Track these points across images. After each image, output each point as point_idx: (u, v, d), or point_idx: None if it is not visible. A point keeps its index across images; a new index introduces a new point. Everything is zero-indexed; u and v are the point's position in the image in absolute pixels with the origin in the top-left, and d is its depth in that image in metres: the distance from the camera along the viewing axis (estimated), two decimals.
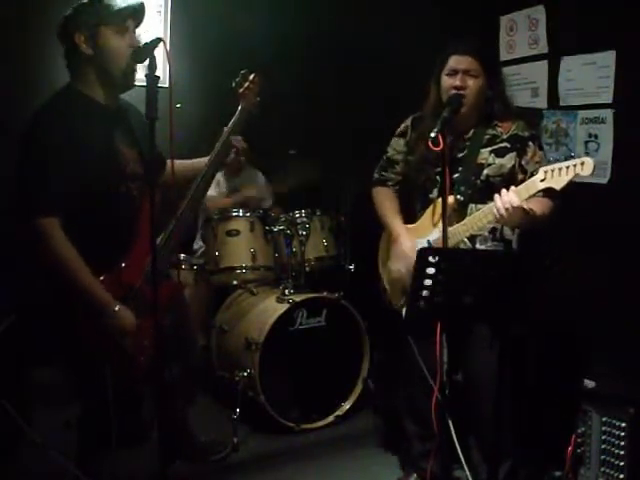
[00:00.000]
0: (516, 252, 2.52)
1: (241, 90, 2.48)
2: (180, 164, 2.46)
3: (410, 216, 2.64)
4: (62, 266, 2.05)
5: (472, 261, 1.97)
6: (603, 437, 2.32)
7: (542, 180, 2.10)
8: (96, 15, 2.13)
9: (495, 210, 2.19)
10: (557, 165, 2.06)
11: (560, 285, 2.36)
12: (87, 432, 2.22)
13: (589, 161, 1.99)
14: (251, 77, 2.49)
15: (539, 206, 2.26)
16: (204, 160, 2.48)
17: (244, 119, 2.49)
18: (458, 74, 2.37)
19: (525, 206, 2.16)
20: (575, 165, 2.01)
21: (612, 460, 2.29)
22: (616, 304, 2.80)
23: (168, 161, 2.22)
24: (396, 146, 2.69)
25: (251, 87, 2.49)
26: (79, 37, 2.13)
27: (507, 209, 2.14)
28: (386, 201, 2.69)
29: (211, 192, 3.67)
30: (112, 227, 2.16)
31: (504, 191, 2.18)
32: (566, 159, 2.06)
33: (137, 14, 2.20)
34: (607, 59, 2.95)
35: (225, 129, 2.47)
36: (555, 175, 2.06)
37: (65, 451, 2.23)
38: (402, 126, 2.68)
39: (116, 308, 2.10)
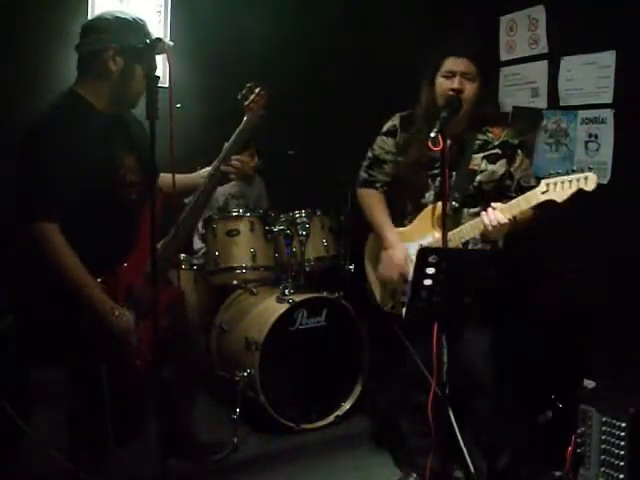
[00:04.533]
0: (515, 253, 2.53)
1: (247, 103, 2.47)
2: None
3: (397, 217, 2.62)
4: (61, 270, 2.06)
5: (472, 261, 1.97)
6: (603, 437, 2.31)
7: (544, 192, 2.11)
8: (133, 38, 2.13)
9: (482, 226, 2.26)
10: (560, 178, 2.08)
11: (560, 285, 2.37)
12: (79, 431, 2.23)
13: (593, 176, 2.02)
14: (257, 90, 2.47)
15: (522, 215, 2.28)
16: (200, 174, 2.48)
17: (248, 132, 2.48)
18: (455, 76, 2.36)
19: (512, 221, 2.22)
20: (579, 179, 2.04)
21: (612, 460, 2.29)
22: (616, 304, 2.80)
23: (161, 174, 2.27)
24: (384, 145, 2.64)
25: (257, 100, 2.47)
26: (110, 52, 2.14)
27: (495, 226, 2.21)
28: (376, 206, 2.65)
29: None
30: (112, 230, 2.17)
31: (490, 210, 2.23)
32: (567, 173, 2.08)
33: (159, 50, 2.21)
34: (607, 59, 2.95)
35: (226, 144, 2.47)
36: (558, 188, 2.08)
37: (65, 451, 2.23)
38: (389, 124, 2.64)
39: (116, 313, 2.11)
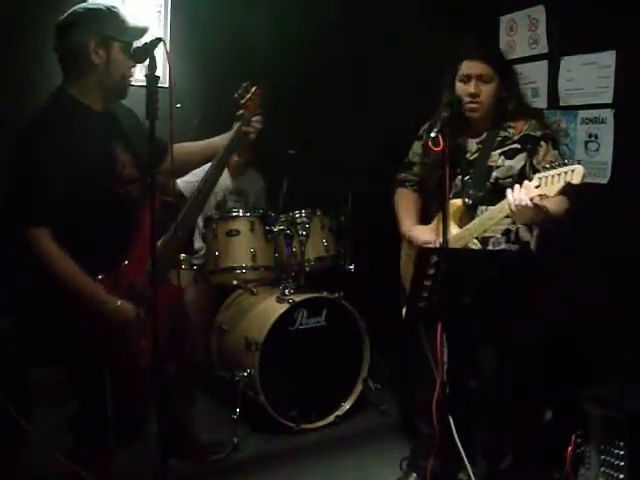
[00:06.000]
0: (516, 253, 2.51)
1: (243, 101, 2.55)
2: (194, 146, 2.55)
3: (427, 217, 2.66)
4: (56, 273, 2.06)
5: (471, 261, 1.97)
6: (603, 437, 2.31)
7: (537, 187, 2.09)
8: (112, 27, 2.15)
9: (507, 206, 2.17)
10: (550, 172, 2.06)
11: (559, 286, 2.36)
12: (81, 431, 2.23)
13: (579, 169, 1.99)
14: (253, 89, 2.56)
15: (554, 204, 2.22)
16: (217, 139, 2.53)
17: (244, 130, 2.53)
18: (471, 80, 2.37)
19: (538, 202, 2.11)
20: (566, 173, 2.00)
21: (612, 460, 2.29)
22: (616, 304, 2.80)
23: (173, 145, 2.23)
24: (415, 149, 2.71)
25: (253, 99, 2.55)
26: (92, 45, 2.13)
27: (517, 205, 2.12)
28: (401, 202, 2.72)
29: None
30: (113, 228, 2.17)
31: (517, 187, 2.14)
32: (559, 165, 2.06)
33: (142, 36, 2.23)
34: (607, 59, 2.95)
35: (222, 142, 2.50)
36: (548, 183, 2.06)
37: (66, 450, 2.24)
38: (421, 129, 2.70)
39: (118, 303, 2.11)
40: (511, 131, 2.45)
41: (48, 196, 2.04)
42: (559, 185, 2.03)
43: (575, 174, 1.99)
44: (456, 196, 2.45)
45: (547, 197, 2.08)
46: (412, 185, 2.74)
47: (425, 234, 2.52)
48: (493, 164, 2.44)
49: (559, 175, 2.02)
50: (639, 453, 2.24)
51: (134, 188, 2.27)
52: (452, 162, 2.39)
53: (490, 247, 2.43)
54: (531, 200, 2.09)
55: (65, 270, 2.06)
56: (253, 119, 2.53)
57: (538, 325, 2.67)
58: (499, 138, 2.46)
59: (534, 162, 2.39)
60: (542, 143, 2.39)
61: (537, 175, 2.11)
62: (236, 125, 2.51)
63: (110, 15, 2.17)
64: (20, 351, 2.26)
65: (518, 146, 2.42)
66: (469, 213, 2.41)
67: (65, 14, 2.18)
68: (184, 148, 2.50)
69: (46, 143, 2.06)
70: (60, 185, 2.05)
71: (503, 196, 2.26)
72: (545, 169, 2.10)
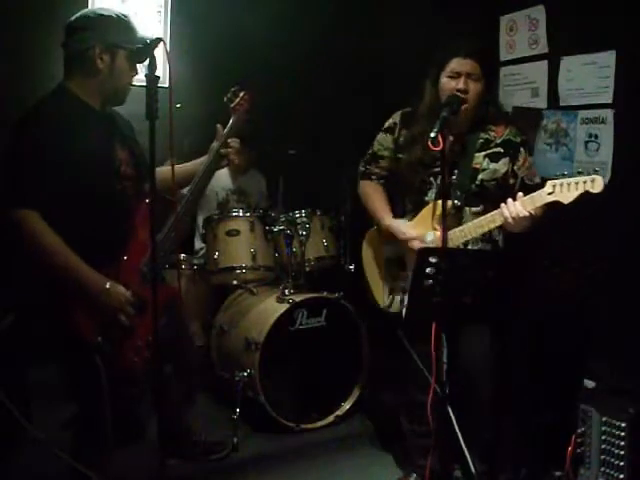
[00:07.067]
0: (515, 252, 2.53)
1: (232, 105, 2.59)
2: (169, 171, 2.51)
3: (397, 215, 2.63)
4: (47, 254, 2.06)
5: (471, 261, 1.98)
6: (603, 437, 2.31)
7: (550, 193, 2.14)
8: (119, 35, 2.17)
9: (503, 218, 2.24)
10: (566, 180, 2.10)
11: (559, 285, 2.37)
12: (80, 431, 2.23)
13: (599, 179, 2.05)
14: (241, 94, 2.59)
15: (541, 210, 2.27)
16: (198, 162, 2.53)
17: (234, 132, 2.57)
18: (461, 77, 2.37)
19: (533, 212, 2.21)
20: (585, 182, 2.06)
21: (612, 460, 2.29)
22: (616, 304, 2.80)
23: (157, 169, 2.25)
24: (382, 142, 2.68)
25: (242, 103, 2.59)
26: (97, 50, 2.16)
27: (514, 218, 2.20)
28: (372, 194, 2.71)
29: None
30: (109, 225, 2.18)
31: (510, 201, 2.22)
32: (573, 174, 2.10)
33: None
34: (607, 59, 2.95)
35: (214, 144, 2.53)
36: (564, 190, 2.11)
37: (65, 449, 2.24)
38: (389, 121, 2.67)
39: (107, 285, 2.12)
40: (492, 134, 2.48)
41: (39, 179, 2.05)
42: (576, 193, 2.08)
43: (596, 184, 2.04)
44: (439, 196, 2.44)
45: (561, 204, 2.11)
46: (378, 179, 2.73)
47: (409, 228, 2.50)
48: (478, 166, 2.46)
49: (577, 184, 2.08)
50: (639, 453, 2.24)
51: (129, 186, 2.30)
52: (434, 161, 2.41)
53: (470, 246, 2.46)
54: (529, 211, 2.18)
55: (53, 247, 2.06)
56: (229, 141, 2.53)
57: (538, 324, 2.68)
58: (480, 140, 2.48)
59: (515, 167, 2.45)
60: (522, 149, 2.46)
61: (550, 182, 2.16)
62: (213, 147, 2.52)
63: (119, 23, 2.19)
64: (20, 350, 2.26)
65: (501, 150, 2.46)
66: (455, 215, 2.42)
67: (77, 15, 2.21)
68: (161, 174, 2.40)
69: (42, 129, 2.07)
70: (53, 170, 2.06)
71: (486, 198, 2.29)
72: (557, 177, 2.14)
